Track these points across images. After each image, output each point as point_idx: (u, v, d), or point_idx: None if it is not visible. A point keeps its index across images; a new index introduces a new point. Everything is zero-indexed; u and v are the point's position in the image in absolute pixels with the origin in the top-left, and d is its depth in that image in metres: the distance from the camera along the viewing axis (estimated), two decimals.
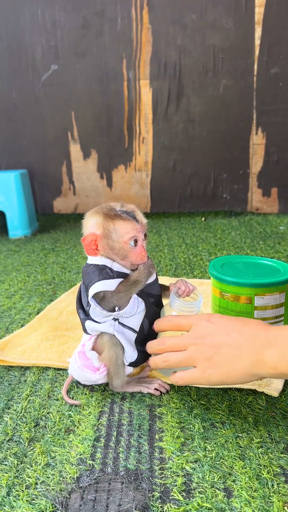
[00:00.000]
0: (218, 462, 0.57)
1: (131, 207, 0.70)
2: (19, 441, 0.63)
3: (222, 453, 0.58)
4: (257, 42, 2.01)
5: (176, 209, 2.29)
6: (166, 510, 0.50)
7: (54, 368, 0.82)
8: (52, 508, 0.51)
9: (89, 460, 0.59)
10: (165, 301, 0.75)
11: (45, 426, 0.66)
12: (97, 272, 0.68)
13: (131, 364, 0.72)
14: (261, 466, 0.56)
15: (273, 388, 0.71)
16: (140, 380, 0.75)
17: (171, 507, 0.51)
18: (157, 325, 0.69)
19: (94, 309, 0.68)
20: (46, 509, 0.51)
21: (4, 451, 0.61)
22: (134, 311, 0.69)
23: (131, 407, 0.70)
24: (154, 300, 0.72)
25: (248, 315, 0.78)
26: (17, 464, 0.59)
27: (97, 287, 0.66)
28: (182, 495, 0.52)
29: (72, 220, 2.23)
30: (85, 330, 0.72)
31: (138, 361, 0.72)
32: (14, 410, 0.71)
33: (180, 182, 2.25)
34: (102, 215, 0.68)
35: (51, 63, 2.20)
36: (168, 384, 0.74)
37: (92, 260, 0.70)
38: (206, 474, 0.55)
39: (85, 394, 0.74)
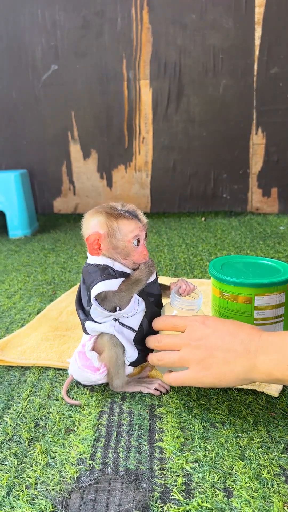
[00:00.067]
0: (218, 462, 0.57)
1: (131, 206, 0.70)
2: (19, 441, 0.63)
3: (222, 453, 0.58)
4: (257, 42, 2.01)
5: (176, 209, 2.29)
6: (166, 510, 0.50)
7: (54, 368, 0.82)
8: (52, 508, 0.51)
9: (89, 460, 0.59)
10: (165, 301, 0.76)
11: (45, 426, 0.66)
12: (99, 272, 0.67)
13: (132, 364, 0.72)
14: (261, 466, 0.56)
15: (273, 388, 0.71)
16: (140, 380, 0.75)
17: (171, 507, 0.51)
18: (154, 324, 0.70)
19: (95, 310, 0.68)
20: (46, 509, 0.51)
21: (4, 451, 0.61)
22: (135, 311, 0.69)
23: (131, 407, 0.70)
24: (154, 300, 0.73)
25: (248, 315, 0.78)
26: (17, 464, 0.59)
27: (99, 287, 0.66)
28: (182, 495, 0.52)
29: (72, 220, 2.23)
30: (85, 331, 0.72)
31: (138, 360, 0.72)
32: (14, 410, 0.71)
33: (180, 182, 2.25)
34: (104, 214, 0.68)
35: (51, 63, 2.20)
36: (172, 385, 0.74)
37: (93, 259, 0.70)
38: (206, 474, 0.55)
39: (85, 394, 0.74)
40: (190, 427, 0.64)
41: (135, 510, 0.50)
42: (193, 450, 0.59)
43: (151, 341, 0.68)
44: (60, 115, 2.26)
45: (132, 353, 0.71)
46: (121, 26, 2.10)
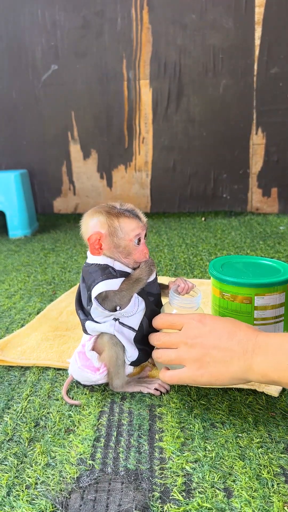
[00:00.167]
0: (218, 462, 0.57)
1: (130, 206, 0.70)
2: (19, 441, 0.63)
3: (222, 453, 0.58)
4: (257, 42, 2.01)
5: (176, 209, 2.29)
6: (166, 510, 0.50)
7: (54, 368, 0.82)
8: (52, 508, 0.51)
9: (89, 460, 0.59)
10: (164, 300, 0.76)
11: (45, 426, 0.66)
12: (100, 272, 0.67)
13: (132, 363, 0.72)
14: (261, 466, 0.56)
15: (273, 388, 0.71)
16: (140, 380, 0.75)
17: (171, 507, 0.51)
18: (154, 322, 0.70)
19: (96, 309, 0.68)
20: (46, 509, 0.51)
21: (4, 451, 0.61)
22: (135, 310, 0.69)
23: (131, 407, 0.70)
24: (153, 299, 0.73)
25: (248, 315, 0.78)
26: (17, 464, 0.59)
27: (100, 287, 0.66)
28: (182, 495, 0.52)
29: (72, 220, 2.23)
30: (85, 331, 0.72)
31: (139, 360, 0.73)
32: (14, 410, 0.71)
33: (180, 182, 2.25)
34: (104, 213, 0.68)
35: (51, 63, 2.20)
36: (168, 384, 0.74)
37: (93, 259, 0.70)
38: (206, 474, 0.55)
39: (85, 394, 0.74)
40: (190, 427, 0.64)
41: (135, 510, 0.50)
42: (193, 450, 0.59)
43: (151, 339, 0.69)
44: (60, 115, 2.26)
45: (132, 353, 0.71)
46: (121, 26, 2.10)
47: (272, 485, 0.53)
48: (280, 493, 0.52)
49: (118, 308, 0.68)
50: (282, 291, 0.78)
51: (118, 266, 0.69)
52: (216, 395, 0.72)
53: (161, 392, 0.73)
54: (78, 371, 0.73)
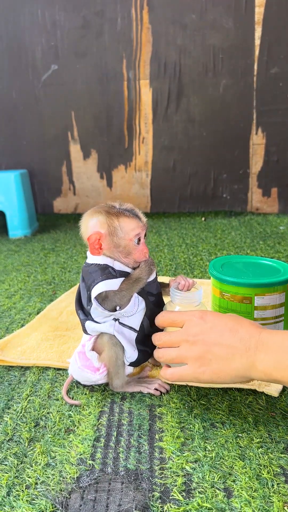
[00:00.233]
0: (218, 462, 0.57)
1: (130, 205, 0.70)
2: (19, 441, 0.63)
3: (222, 453, 0.58)
4: (257, 42, 2.01)
5: (176, 209, 2.29)
6: (166, 510, 0.50)
7: (54, 368, 0.82)
8: (52, 508, 0.51)
9: (89, 460, 0.59)
10: (165, 298, 0.75)
11: (45, 426, 0.66)
12: (100, 272, 0.67)
13: (131, 364, 0.72)
14: (261, 466, 0.56)
15: (273, 388, 0.71)
16: (140, 380, 0.75)
17: (171, 507, 0.51)
18: (155, 321, 0.69)
19: (96, 310, 0.68)
20: (46, 509, 0.51)
21: (4, 451, 0.61)
22: (135, 310, 0.69)
23: (131, 407, 0.70)
24: (154, 299, 0.72)
25: (248, 315, 0.78)
26: (17, 464, 0.59)
27: (100, 287, 0.66)
28: (182, 495, 0.52)
29: (72, 220, 2.23)
30: (85, 331, 0.72)
31: (139, 361, 0.72)
32: (14, 410, 0.71)
33: (180, 182, 2.25)
34: (104, 213, 0.68)
35: (51, 63, 2.20)
36: (168, 384, 0.74)
37: (92, 259, 0.70)
38: (206, 474, 0.55)
39: (85, 394, 0.74)
40: (190, 427, 0.64)
41: (135, 510, 0.50)
42: (193, 450, 0.59)
43: (153, 340, 0.68)
44: (60, 115, 2.26)
45: (131, 354, 0.71)
46: (121, 26, 2.10)
47: (272, 485, 0.53)
48: (280, 493, 0.52)
49: (118, 308, 0.68)
50: (282, 291, 0.78)
51: (118, 266, 0.69)
52: (216, 395, 0.72)
53: (161, 392, 0.73)
54: (78, 371, 0.73)
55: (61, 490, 0.54)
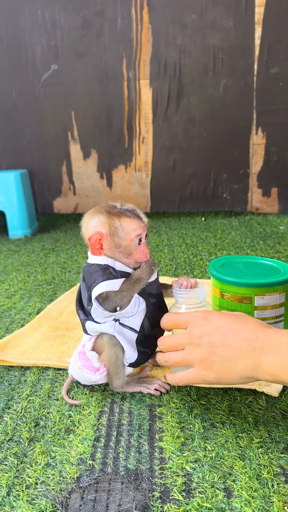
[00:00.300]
0: (218, 462, 0.57)
1: (131, 206, 0.70)
2: (19, 441, 0.63)
3: (222, 453, 0.58)
4: (257, 42, 2.01)
5: (176, 209, 2.29)
6: (166, 510, 0.50)
7: (54, 368, 0.82)
8: (52, 508, 0.51)
9: (89, 460, 0.59)
10: (167, 300, 0.75)
11: (45, 426, 0.66)
12: (101, 272, 0.67)
13: (131, 365, 0.72)
14: (261, 466, 0.56)
15: (273, 388, 0.71)
16: (140, 380, 0.75)
17: (171, 507, 0.51)
18: (161, 323, 0.68)
19: (96, 310, 0.68)
20: (46, 509, 0.51)
21: (4, 451, 0.61)
22: (135, 311, 0.69)
23: (131, 407, 0.70)
24: (154, 300, 0.72)
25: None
26: (17, 464, 0.59)
27: (101, 287, 0.66)
28: (182, 495, 0.52)
29: (72, 220, 2.23)
30: (85, 331, 0.72)
31: (138, 362, 0.72)
32: (14, 410, 0.71)
33: (180, 182, 2.25)
34: (105, 213, 0.68)
35: (51, 63, 2.20)
36: (168, 384, 0.74)
37: (93, 259, 0.70)
38: (206, 474, 0.55)
39: (85, 394, 0.74)
40: (190, 427, 0.64)
41: (135, 510, 0.50)
42: (193, 450, 0.59)
43: (158, 344, 0.67)
44: (60, 115, 2.26)
45: (131, 355, 0.71)
46: (121, 26, 2.10)
47: (272, 485, 0.53)
48: (280, 493, 0.52)
49: (118, 308, 0.68)
50: (282, 291, 0.78)
51: (118, 266, 0.69)
52: (216, 395, 0.72)
53: (161, 392, 0.73)
54: (78, 371, 0.73)
55: (61, 490, 0.54)
